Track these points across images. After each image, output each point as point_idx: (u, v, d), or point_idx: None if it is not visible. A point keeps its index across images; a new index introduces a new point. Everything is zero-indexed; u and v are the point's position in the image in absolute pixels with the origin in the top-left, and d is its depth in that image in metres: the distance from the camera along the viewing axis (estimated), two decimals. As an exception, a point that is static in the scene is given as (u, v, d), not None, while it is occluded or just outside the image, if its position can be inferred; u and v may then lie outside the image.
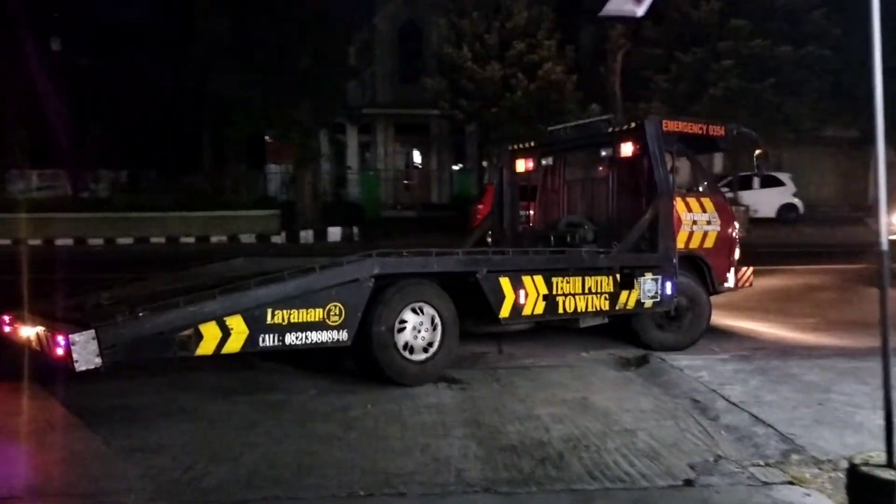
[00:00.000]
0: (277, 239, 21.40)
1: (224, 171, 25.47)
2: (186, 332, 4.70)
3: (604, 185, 8.05)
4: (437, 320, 5.88)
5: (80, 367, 4.32)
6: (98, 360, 4.37)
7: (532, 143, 8.79)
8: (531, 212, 9.14)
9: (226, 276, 6.28)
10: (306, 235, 21.50)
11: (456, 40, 22.84)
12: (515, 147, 8.95)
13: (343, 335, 5.37)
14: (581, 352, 7.15)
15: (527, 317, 6.29)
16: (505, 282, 6.10)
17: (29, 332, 5.19)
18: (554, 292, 6.37)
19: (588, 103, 22.03)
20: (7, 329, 5.69)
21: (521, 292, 6.18)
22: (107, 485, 3.87)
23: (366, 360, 5.78)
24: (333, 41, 21.11)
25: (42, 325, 4.99)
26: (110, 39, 26.84)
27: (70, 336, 4.34)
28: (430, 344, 5.85)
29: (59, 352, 4.40)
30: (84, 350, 4.32)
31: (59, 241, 20.65)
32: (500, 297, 6.08)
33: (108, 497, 3.72)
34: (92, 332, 4.38)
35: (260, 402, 5.44)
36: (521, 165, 8.77)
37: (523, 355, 6.99)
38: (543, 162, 8.59)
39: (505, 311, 6.11)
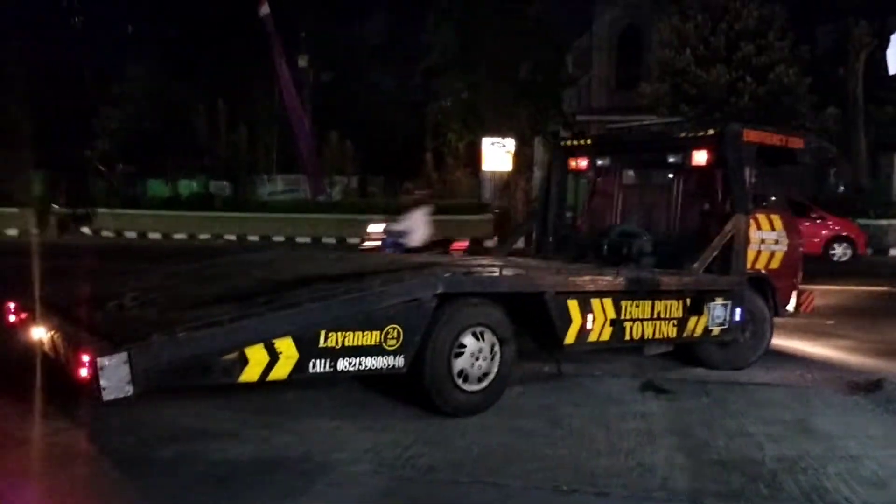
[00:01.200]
0: (489, 244, 22.02)
1: (443, 177, 26.69)
2: (230, 356, 4.05)
3: (667, 193, 7.32)
4: (497, 347, 5.22)
5: (109, 395, 3.64)
6: (129, 389, 3.69)
7: (588, 140, 8.01)
8: (578, 215, 8.34)
9: (259, 275, 5.77)
10: (518, 240, 21.88)
11: (678, 44, 22.14)
12: (568, 142, 8.14)
13: (399, 361, 4.72)
14: (804, 372, 6.73)
15: (591, 343, 5.67)
16: (573, 304, 5.48)
17: (41, 333, 4.67)
18: (622, 317, 5.77)
19: (824, 107, 20.36)
20: (12, 319, 5.22)
21: (589, 316, 5.56)
22: (338, 456, 4.33)
23: (415, 387, 5.11)
24: (552, 50, 21.39)
25: (58, 329, 4.46)
26: (349, 55, 29.19)
27: (98, 359, 3.63)
28: (487, 373, 5.18)
29: (83, 373, 3.69)
30: (114, 376, 3.64)
31: (299, 239, 22.88)
32: (567, 321, 5.46)
33: (339, 467, 4.18)
34: (124, 355, 3.68)
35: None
36: (574, 164, 7.95)
37: (738, 372, 6.71)
38: (599, 162, 7.82)
39: (570, 337, 5.49)
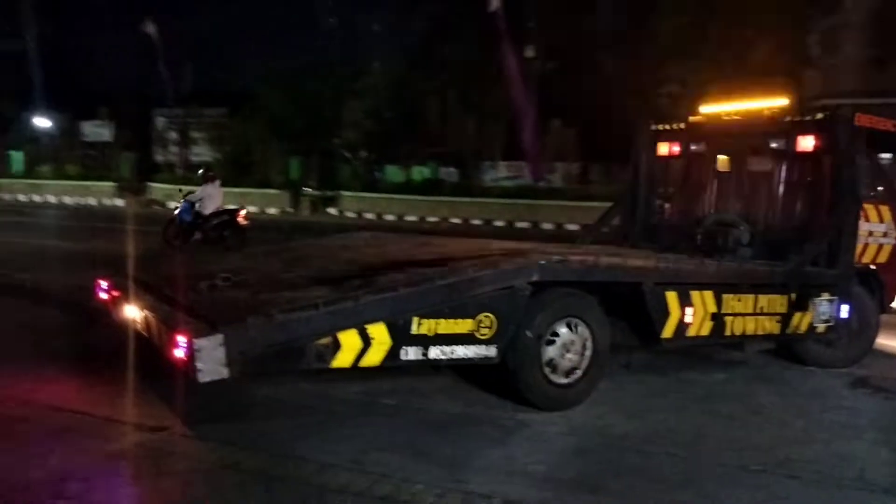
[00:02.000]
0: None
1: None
2: (324, 341, 4.01)
3: (767, 180, 6.70)
4: (589, 340, 5.00)
5: (204, 377, 3.66)
6: (225, 371, 3.69)
7: (681, 125, 7.42)
8: (668, 202, 7.72)
9: (346, 258, 5.69)
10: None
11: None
12: (660, 127, 7.59)
13: (492, 351, 4.58)
14: None
15: (690, 338, 5.39)
16: (672, 297, 5.22)
17: (135, 312, 4.72)
18: (723, 311, 5.46)
19: None
20: (104, 296, 5.34)
21: (688, 310, 5.29)
22: (535, 417, 4.77)
23: (505, 377, 4.94)
24: (789, 31, 20.04)
25: (152, 308, 4.51)
26: (575, 43, 29.35)
27: (195, 340, 3.66)
28: (577, 366, 4.97)
29: (179, 354, 3.74)
30: (210, 358, 3.65)
31: (519, 224, 23.60)
32: (665, 314, 5.21)
33: (535, 426, 4.62)
34: (220, 338, 3.69)
35: (668, 378, 5.90)
36: (665, 149, 7.50)
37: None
38: (692, 147, 7.32)
39: (668, 331, 5.24)
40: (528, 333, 4.71)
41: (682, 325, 5.33)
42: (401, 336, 4.25)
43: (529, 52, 26.66)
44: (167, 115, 36.95)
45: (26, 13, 32.56)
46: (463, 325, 4.46)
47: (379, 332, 4.17)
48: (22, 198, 31.96)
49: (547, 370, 4.85)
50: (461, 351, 4.49)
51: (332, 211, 27.80)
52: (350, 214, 27.15)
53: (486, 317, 4.53)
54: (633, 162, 7.86)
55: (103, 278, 5.43)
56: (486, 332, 4.54)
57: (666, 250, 6.77)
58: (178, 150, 36.30)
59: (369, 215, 26.36)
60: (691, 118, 7.49)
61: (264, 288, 4.70)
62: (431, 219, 25.35)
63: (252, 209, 27.80)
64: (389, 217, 26.04)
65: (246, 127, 31.08)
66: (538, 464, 4.04)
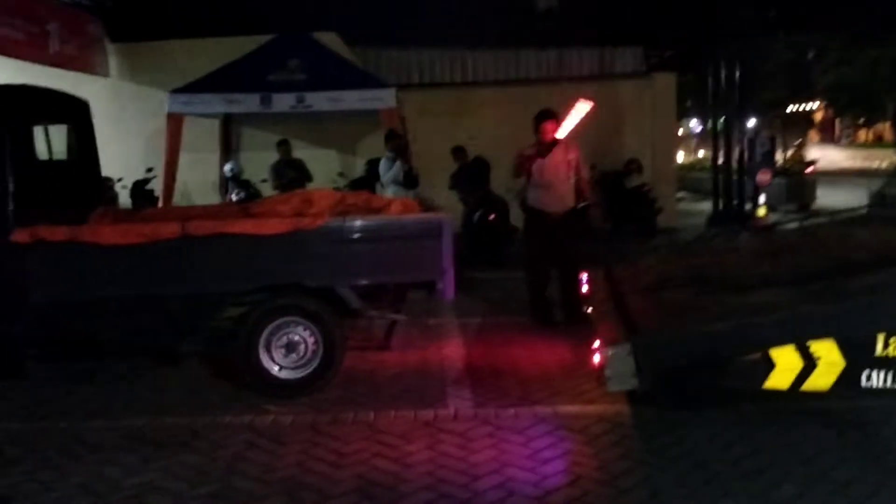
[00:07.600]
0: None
1: None
2: (751, 357, 3.43)
3: None
4: None
5: (612, 386, 3.54)
6: (634, 382, 3.48)
7: None
8: None
9: (833, 253, 4.64)
10: None
11: None
12: None
13: None
14: None
15: None
16: None
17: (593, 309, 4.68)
18: None
19: None
20: (585, 289, 5.13)
21: None
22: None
23: None
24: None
25: (601, 308, 4.40)
26: None
27: (604, 349, 3.59)
28: None
29: (595, 360, 3.69)
30: (619, 367, 3.47)
31: None
32: None
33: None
34: (628, 347, 3.49)
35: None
36: None
37: None
38: None
39: None
40: None
41: None
42: (858, 357, 3.40)
43: None
44: None
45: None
46: None
47: (826, 351, 3.39)
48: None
49: None
50: None
51: None
52: None
53: None
54: None
55: (585, 272, 5.28)
56: None
57: None
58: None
59: None
60: None
61: (709, 289, 4.19)
62: None
63: None
64: None
65: None
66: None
